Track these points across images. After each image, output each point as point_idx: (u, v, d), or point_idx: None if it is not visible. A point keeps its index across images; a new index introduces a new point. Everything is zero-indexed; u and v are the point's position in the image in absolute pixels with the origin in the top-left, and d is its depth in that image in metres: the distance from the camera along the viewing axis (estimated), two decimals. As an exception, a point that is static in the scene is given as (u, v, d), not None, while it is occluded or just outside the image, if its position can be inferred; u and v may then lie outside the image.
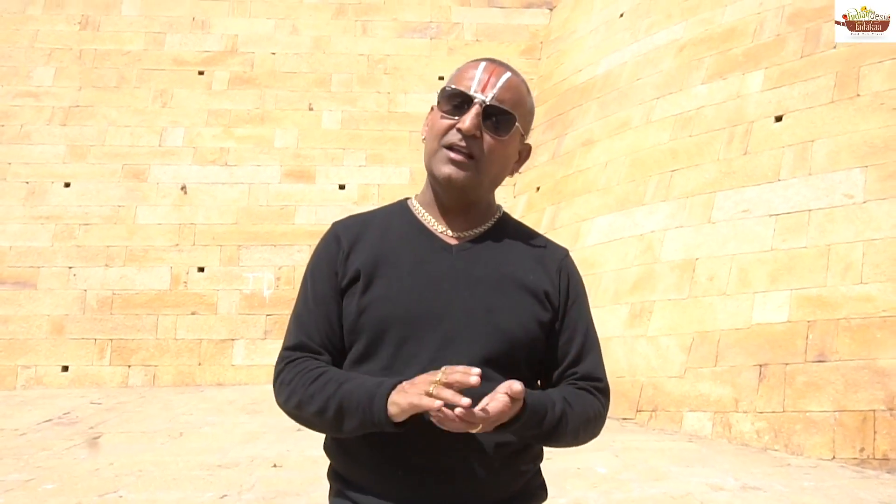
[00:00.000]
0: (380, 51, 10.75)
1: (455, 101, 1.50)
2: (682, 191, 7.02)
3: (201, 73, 10.40)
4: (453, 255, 1.53)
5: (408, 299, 1.47)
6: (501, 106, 1.48)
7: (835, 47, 6.50)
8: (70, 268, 9.15)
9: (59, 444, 5.64)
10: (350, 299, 1.51)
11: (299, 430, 6.11)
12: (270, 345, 8.90)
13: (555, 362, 1.55)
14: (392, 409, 1.33)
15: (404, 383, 1.34)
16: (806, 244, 5.88)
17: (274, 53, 10.61)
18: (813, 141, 6.24)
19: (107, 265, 9.19)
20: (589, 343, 1.59)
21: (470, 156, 1.49)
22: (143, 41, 10.52)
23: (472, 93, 1.48)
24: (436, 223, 1.57)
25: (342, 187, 9.81)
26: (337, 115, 10.31)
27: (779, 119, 6.60)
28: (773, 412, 5.47)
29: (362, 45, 10.76)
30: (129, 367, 8.80)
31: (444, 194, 1.54)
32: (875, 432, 5.01)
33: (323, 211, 9.56)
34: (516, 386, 1.29)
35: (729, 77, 7.25)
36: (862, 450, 5.01)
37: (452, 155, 1.49)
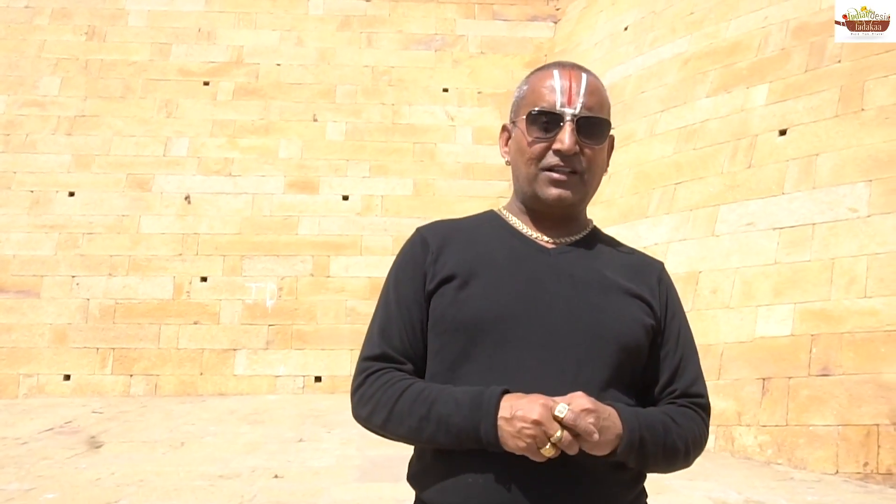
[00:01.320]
0: (384, 63, 10.77)
1: (543, 122, 1.43)
2: (685, 203, 7.01)
3: (206, 83, 10.43)
4: (551, 256, 1.46)
5: (508, 297, 1.39)
6: (593, 115, 1.44)
7: (839, 61, 6.51)
8: (73, 277, 9.16)
9: (61, 453, 5.63)
10: (441, 300, 1.42)
11: (301, 440, 6.10)
12: (272, 355, 8.89)
13: (654, 377, 1.48)
14: (503, 438, 1.25)
15: (507, 403, 1.26)
16: (810, 258, 5.87)
17: (279, 65, 10.64)
18: (817, 155, 6.24)
19: (110, 274, 9.19)
20: (688, 357, 1.51)
21: (573, 172, 1.43)
22: (148, 52, 10.56)
23: (559, 109, 1.42)
24: (529, 231, 1.50)
25: (346, 198, 9.81)
26: (341, 126, 10.33)
27: (783, 133, 6.60)
28: (777, 426, 5.45)
29: (367, 56, 10.79)
30: (131, 376, 8.79)
31: (545, 210, 1.48)
32: (879, 447, 4.98)
33: (326, 222, 9.56)
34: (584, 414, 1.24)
35: (733, 91, 7.26)
36: (866, 464, 4.98)
37: (556, 176, 1.43)
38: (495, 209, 1.58)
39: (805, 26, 6.96)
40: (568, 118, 1.41)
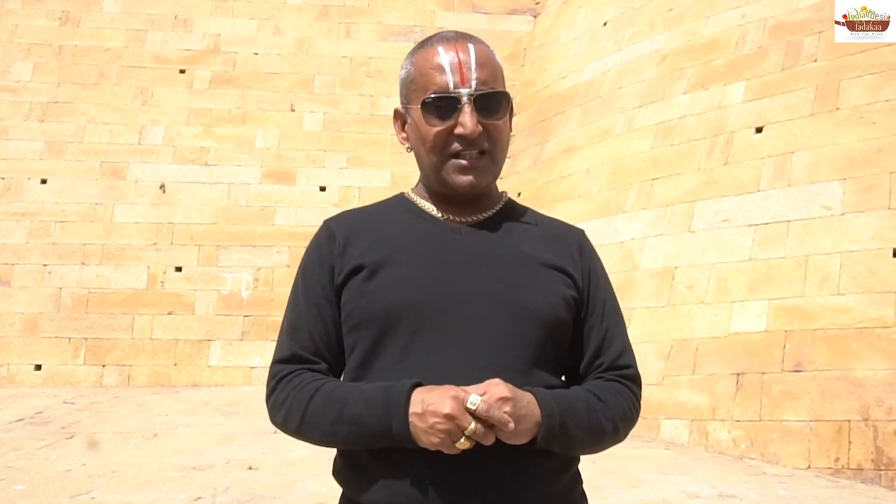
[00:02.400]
0: (363, 53, 10.72)
1: (439, 108, 1.35)
2: (662, 199, 7.05)
3: (182, 71, 10.33)
4: (463, 235, 1.40)
5: (420, 283, 1.32)
6: (490, 89, 1.36)
7: (815, 61, 6.56)
8: (45, 265, 9.04)
9: (31, 444, 5.56)
10: (350, 293, 1.36)
11: (275, 432, 6.05)
12: (247, 346, 8.83)
13: (580, 351, 1.43)
14: (415, 433, 1.21)
15: (418, 397, 1.21)
16: (784, 255, 5.92)
17: (256, 54, 10.56)
18: (793, 153, 6.29)
19: (83, 263, 9.09)
20: (614, 328, 1.46)
21: (481, 153, 1.37)
22: (123, 38, 10.43)
23: (454, 90, 1.34)
24: (439, 212, 1.43)
25: (323, 189, 9.77)
26: (319, 116, 10.27)
27: (759, 130, 6.65)
28: (750, 421, 5.50)
29: (345, 47, 10.73)
30: (104, 366, 8.70)
31: (458, 196, 1.42)
32: (850, 442, 5.04)
33: (303, 213, 9.51)
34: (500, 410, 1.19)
35: (710, 87, 7.30)
36: (837, 459, 5.04)
37: (464, 162, 1.36)
38: (405, 192, 1.52)
39: (782, 25, 7.01)
40: (465, 99, 1.34)
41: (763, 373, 5.57)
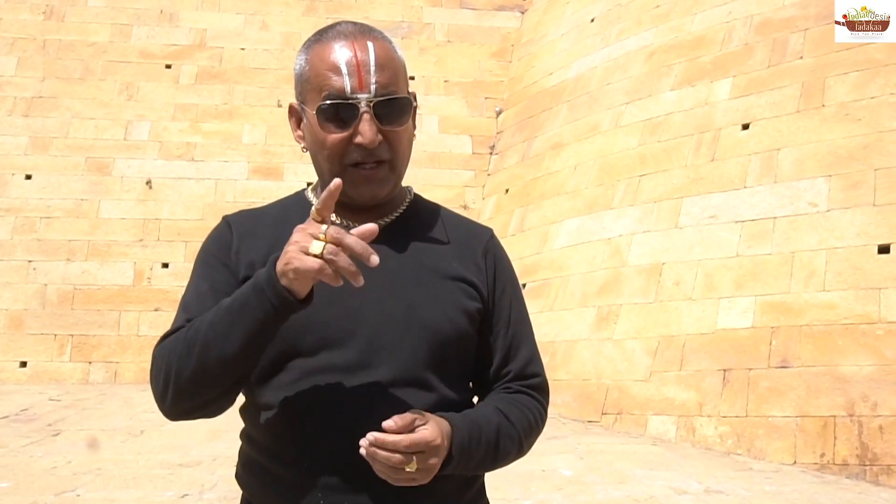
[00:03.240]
0: (350, 49, 10.68)
1: (336, 114, 1.26)
2: (649, 196, 7.06)
3: (168, 66, 10.28)
4: None
5: (316, 302, 1.20)
6: (390, 95, 1.27)
7: (801, 57, 6.59)
8: (30, 261, 8.98)
9: (16, 441, 5.53)
10: None
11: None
12: (234, 343, 8.80)
13: (487, 360, 1.37)
14: (284, 281, 1.11)
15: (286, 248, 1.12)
16: (770, 251, 5.94)
17: (243, 49, 10.52)
18: (779, 149, 6.32)
19: (68, 259, 9.03)
20: (521, 335, 1.40)
21: (379, 162, 1.29)
22: (108, 33, 10.37)
23: (350, 95, 1.25)
24: (339, 218, 1.33)
25: (310, 185, 9.72)
26: (306, 112, 10.23)
27: (745, 127, 6.67)
28: (737, 417, 5.52)
29: (333, 42, 10.69)
30: (90, 363, 8.66)
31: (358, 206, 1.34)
32: (835, 438, 5.07)
33: (290, 209, 9.48)
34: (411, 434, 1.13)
35: (697, 84, 7.32)
36: (822, 455, 5.07)
37: (364, 172, 1.29)
38: (306, 191, 1.45)
39: (768, 22, 7.04)
40: (363, 106, 1.25)
41: (749, 369, 5.60)
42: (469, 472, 1.28)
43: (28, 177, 9.40)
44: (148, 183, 9.51)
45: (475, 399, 1.42)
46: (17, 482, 4.46)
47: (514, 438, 1.32)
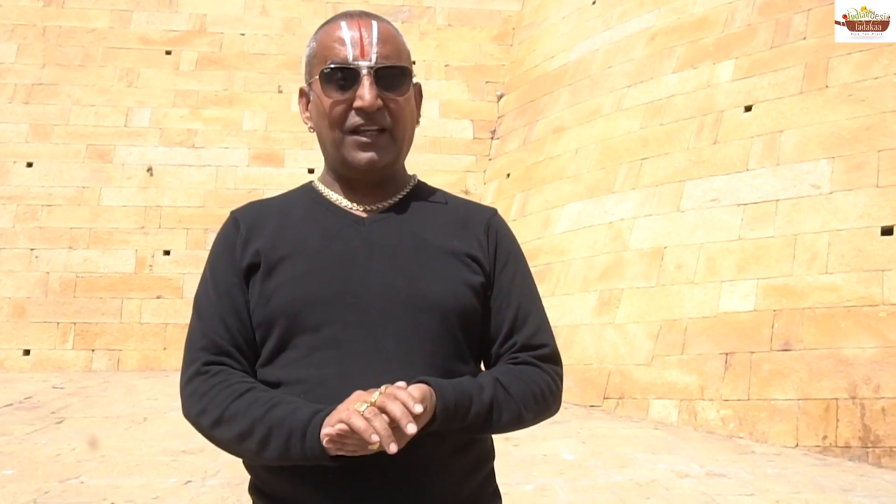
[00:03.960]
0: (351, 34, 10.63)
1: (338, 80, 1.32)
2: (651, 179, 7.04)
3: (168, 52, 10.24)
4: (365, 226, 1.36)
5: (318, 279, 1.29)
6: (391, 63, 1.33)
7: (804, 38, 6.54)
8: (32, 249, 8.98)
9: (20, 428, 5.55)
10: (252, 293, 1.33)
11: (266, 415, 6.05)
12: (237, 329, 8.81)
13: (493, 333, 1.38)
14: (326, 440, 1.14)
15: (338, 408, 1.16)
16: (773, 234, 5.92)
17: (243, 34, 10.47)
18: (781, 131, 6.28)
19: (70, 247, 9.04)
20: (527, 306, 1.40)
21: (381, 130, 1.33)
22: (108, 19, 10.32)
23: (353, 62, 1.31)
24: (344, 200, 1.39)
25: (311, 171, 9.72)
26: (307, 98, 10.20)
27: (748, 109, 6.64)
28: (739, 400, 5.52)
29: (333, 27, 10.64)
30: (93, 351, 8.68)
31: (358, 176, 1.38)
32: (838, 420, 5.07)
33: (292, 195, 9.47)
34: (415, 405, 1.12)
35: (699, 66, 7.27)
36: (825, 437, 5.07)
37: (362, 139, 1.32)
38: (313, 182, 1.48)
39: (771, 3, 6.98)
40: (364, 71, 1.30)
41: (752, 352, 5.59)
42: (453, 432, 1.25)
43: (29, 164, 9.40)
44: (149, 170, 9.50)
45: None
46: (21, 469, 4.48)
47: (511, 410, 1.30)
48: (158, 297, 8.93)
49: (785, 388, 5.34)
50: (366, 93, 1.30)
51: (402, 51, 1.37)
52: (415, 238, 1.36)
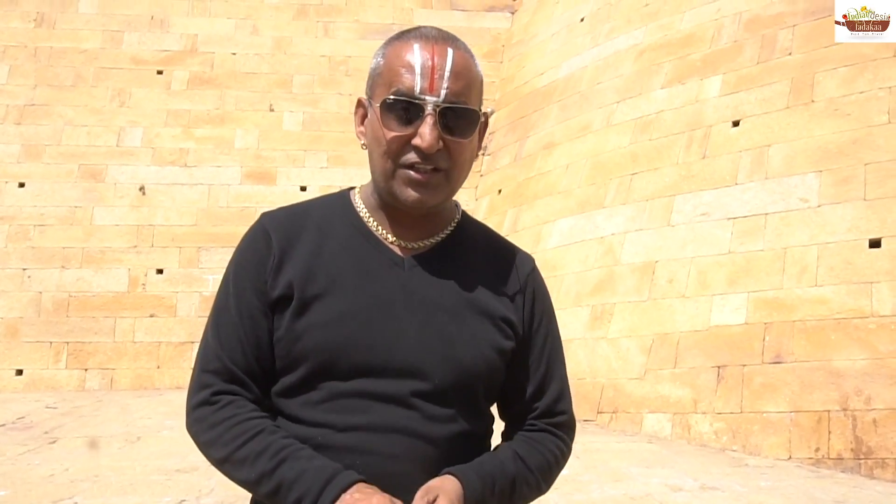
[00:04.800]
0: (341, 52, 10.71)
1: (399, 111, 1.23)
2: (641, 194, 7.09)
3: (160, 72, 10.28)
4: (405, 271, 1.31)
5: (352, 325, 1.24)
6: (459, 104, 1.24)
7: (790, 54, 6.62)
8: (24, 269, 8.97)
9: (13, 449, 5.52)
10: (282, 320, 1.27)
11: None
12: (230, 347, 8.80)
13: (515, 394, 1.39)
14: None
15: (355, 495, 1.14)
16: (763, 247, 5.97)
17: (234, 54, 10.52)
18: (769, 146, 6.34)
19: (63, 267, 9.03)
20: (552, 372, 1.41)
21: (436, 169, 1.25)
22: (100, 39, 10.37)
23: (419, 95, 1.22)
24: (384, 231, 1.33)
25: (303, 189, 9.75)
26: (298, 116, 10.25)
27: (736, 124, 6.70)
28: (731, 413, 5.55)
29: (324, 46, 10.72)
30: (86, 370, 8.65)
31: (405, 211, 1.31)
32: (830, 432, 5.10)
33: (284, 213, 9.48)
34: None
35: (688, 82, 7.35)
36: (817, 450, 5.10)
37: (416, 176, 1.25)
38: (351, 192, 1.42)
39: (757, 19, 7.07)
40: (429, 109, 1.22)
41: (743, 365, 5.62)
42: None
43: (21, 185, 9.40)
44: (141, 189, 9.51)
45: (495, 412, 1.43)
46: (14, 490, 4.46)
47: (531, 484, 1.33)
48: (151, 316, 8.92)
49: (777, 401, 5.37)
50: (427, 133, 1.22)
51: (474, 86, 1.28)
52: (453, 293, 1.32)
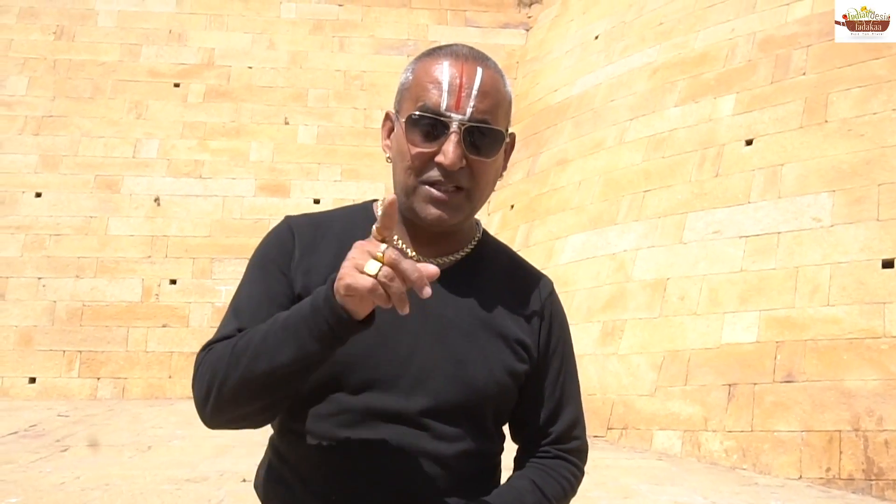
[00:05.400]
0: (357, 67, 10.78)
1: (424, 126, 1.23)
2: (654, 211, 7.09)
3: (177, 85, 10.37)
4: None
5: (365, 341, 1.19)
6: (485, 123, 1.24)
7: (804, 74, 6.63)
8: (39, 278, 9.05)
9: (25, 457, 5.56)
10: None
11: (269, 445, 6.05)
12: (242, 359, 8.83)
13: (529, 418, 1.39)
14: (339, 299, 1.07)
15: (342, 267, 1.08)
16: (775, 266, 5.96)
17: (250, 67, 10.61)
18: (782, 165, 6.34)
19: (77, 276, 9.10)
20: (567, 397, 1.41)
21: (457, 188, 1.25)
22: (118, 52, 10.48)
23: (444, 112, 1.22)
24: (404, 245, 1.32)
25: (317, 202, 9.80)
26: (313, 129, 10.32)
27: (749, 143, 6.71)
28: (742, 431, 5.52)
29: (339, 60, 10.79)
30: (99, 379, 8.70)
31: (425, 227, 1.30)
32: (841, 452, 5.07)
33: (297, 225, 9.52)
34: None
35: (701, 100, 7.36)
36: (828, 469, 5.07)
37: (437, 194, 1.24)
38: (374, 205, 1.42)
39: (771, 39, 7.08)
40: (454, 127, 1.21)
41: (755, 383, 5.60)
42: None
43: (38, 195, 9.49)
44: (156, 200, 9.59)
45: (506, 429, 1.44)
46: (26, 497, 4.49)
47: None
48: (164, 326, 8.97)
49: (788, 420, 5.35)
50: (450, 151, 1.21)
51: (502, 106, 1.28)
52: (468, 313, 1.32)
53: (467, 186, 1.26)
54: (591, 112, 8.66)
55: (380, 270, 1.03)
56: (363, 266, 1.04)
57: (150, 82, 10.33)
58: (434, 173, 1.24)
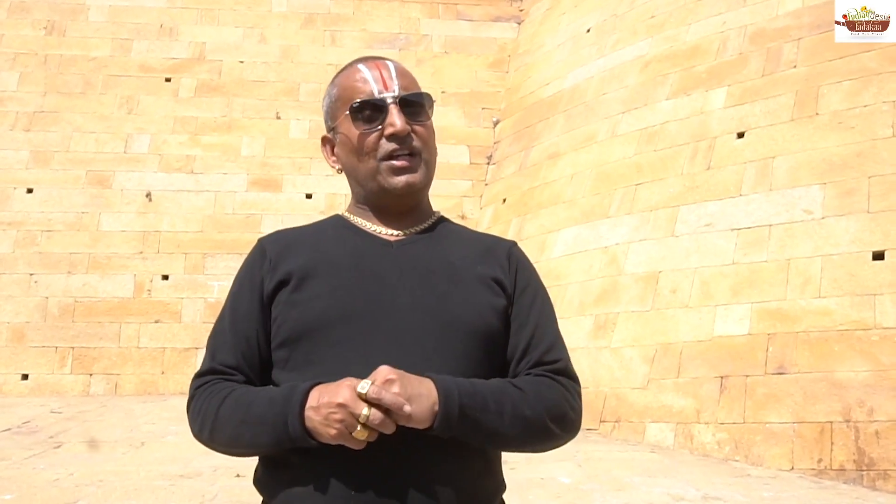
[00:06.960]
0: (348, 61, 10.72)
1: (366, 113, 1.40)
2: (646, 204, 7.11)
3: (168, 80, 10.34)
4: (394, 248, 1.42)
5: (349, 295, 1.33)
6: (413, 93, 1.42)
7: (795, 67, 6.65)
8: (31, 275, 9.02)
9: (18, 453, 5.56)
10: (280, 306, 1.36)
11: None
12: (235, 354, 8.82)
13: (510, 354, 1.41)
14: (310, 424, 1.21)
15: (316, 392, 1.21)
16: (766, 258, 5.98)
17: (242, 62, 10.58)
18: (774, 157, 6.36)
19: (69, 272, 9.07)
20: (543, 325, 1.43)
21: (411, 154, 1.41)
22: (109, 47, 10.43)
23: (379, 95, 1.40)
24: (373, 226, 1.46)
25: (309, 196, 9.79)
26: (305, 124, 10.29)
27: (741, 135, 6.72)
28: (734, 423, 5.55)
29: (331, 55, 10.76)
30: (91, 375, 8.69)
31: (393, 202, 1.44)
32: (832, 443, 5.10)
33: (289, 220, 9.51)
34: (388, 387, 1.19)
35: (693, 93, 7.37)
36: (820, 461, 5.10)
37: (397, 163, 1.39)
38: (341, 213, 1.54)
39: (762, 32, 7.10)
40: (390, 101, 1.39)
41: (746, 375, 5.63)
42: (480, 438, 1.28)
43: (29, 191, 9.46)
44: (148, 196, 9.56)
45: None
46: (19, 494, 4.49)
47: (531, 406, 1.30)
48: (156, 322, 8.96)
49: (780, 412, 5.38)
50: (396, 119, 1.38)
51: (416, 83, 1.47)
52: (443, 261, 1.42)
53: (419, 148, 1.42)
54: (583, 105, 8.67)
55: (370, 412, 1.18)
56: (352, 425, 1.18)
57: (141, 77, 10.29)
58: (389, 146, 1.40)
